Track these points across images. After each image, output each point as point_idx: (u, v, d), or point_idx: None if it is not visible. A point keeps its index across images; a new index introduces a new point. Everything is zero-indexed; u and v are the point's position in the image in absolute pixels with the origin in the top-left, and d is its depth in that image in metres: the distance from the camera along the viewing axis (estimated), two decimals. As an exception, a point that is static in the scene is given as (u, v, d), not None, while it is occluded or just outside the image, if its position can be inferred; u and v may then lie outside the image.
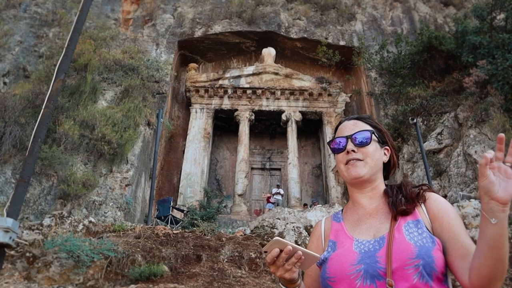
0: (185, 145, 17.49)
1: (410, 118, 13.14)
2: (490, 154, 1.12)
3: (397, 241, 1.30)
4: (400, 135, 14.74)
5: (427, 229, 1.33)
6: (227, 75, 18.80)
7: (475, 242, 1.21)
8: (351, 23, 19.97)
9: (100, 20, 17.29)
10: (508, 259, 1.19)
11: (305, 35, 19.13)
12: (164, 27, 18.68)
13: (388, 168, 1.58)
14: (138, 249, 6.89)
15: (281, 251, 1.26)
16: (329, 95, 18.56)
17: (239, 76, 18.78)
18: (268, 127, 19.44)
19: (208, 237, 7.87)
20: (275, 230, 8.06)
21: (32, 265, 6.28)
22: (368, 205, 1.49)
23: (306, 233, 8.07)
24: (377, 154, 1.50)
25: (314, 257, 1.29)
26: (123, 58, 15.59)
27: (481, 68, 12.86)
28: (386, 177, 1.59)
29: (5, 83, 14.32)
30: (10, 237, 4.09)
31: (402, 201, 1.40)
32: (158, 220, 12.29)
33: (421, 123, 14.19)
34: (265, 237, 7.91)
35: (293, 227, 8.09)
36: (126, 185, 12.62)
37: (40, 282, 6.12)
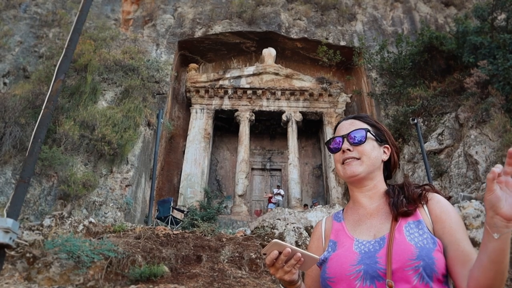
0: (185, 145, 17.48)
1: (410, 118, 13.13)
2: (498, 168, 1.10)
3: (397, 242, 1.29)
4: (401, 135, 14.73)
5: (428, 230, 1.33)
6: (228, 75, 18.80)
7: (474, 243, 1.21)
8: (351, 23, 19.96)
9: (100, 21, 17.29)
10: (509, 260, 1.18)
11: (306, 35, 19.12)
12: (164, 27, 18.68)
13: (390, 167, 1.58)
14: (138, 250, 6.88)
15: (280, 253, 1.26)
16: (330, 95, 18.55)
17: (239, 77, 18.77)
18: (268, 127, 19.43)
19: (208, 238, 7.86)
20: (275, 230, 8.05)
21: (32, 266, 6.27)
22: (368, 205, 1.48)
23: (307, 233, 8.06)
24: (374, 153, 1.49)
25: (314, 259, 1.29)
26: (123, 58, 15.58)
27: (482, 69, 12.85)
28: (388, 176, 1.58)
29: (5, 84, 14.33)
30: (10, 238, 4.08)
31: (403, 202, 1.39)
32: (158, 221, 12.27)
33: (422, 124, 14.18)
34: (266, 237, 7.90)
35: (294, 227, 8.07)
36: (126, 186, 12.61)
37: (40, 282, 6.11)
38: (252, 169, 18.62)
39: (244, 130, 17.96)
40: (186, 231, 8.74)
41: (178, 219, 12.78)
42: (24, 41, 15.80)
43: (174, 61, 18.00)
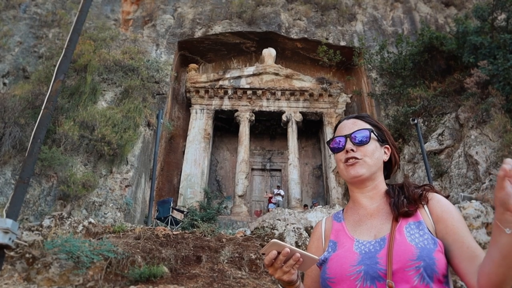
0: (185, 146, 17.48)
1: (411, 118, 13.12)
2: (508, 165, 1.07)
3: (398, 243, 1.29)
4: (401, 135, 14.73)
5: (429, 230, 1.32)
6: (227, 75, 18.79)
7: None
8: (351, 23, 19.96)
9: (100, 21, 17.29)
10: None
11: (306, 36, 19.12)
12: (164, 27, 18.67)
13: (389, 167, 1.57)
14: (138, 250, 6.87)
15: (279, 253, 1.25)
16: (330, 95, 18.54)
17: (239, 77, 18.77)
18: (268, 127, 19.42)
19: (208, 238, 7.85)
20: (275, 231, 8.03)
21: (31, 266, 6.26)
22: (369, 205, 1.48)
23: (307, 234, 8.05)
24: (376, 153, 1.49)
25: (313, 259, 1.28)
26: (123, 58, 15.58)
27: (482, 69, 12.84)
28: (387, 176, 1.57)
29: (4, 84, 14.32)
30: (10, 238, 4.07)
31: (404, 202, 1.39)
32: (158, 221, 12.26)
33: (422, 124, 14.17)
34: (265, 238, 7.89)
35: (294, 228, 8.06)
36: (126, 186, 12.60)
37: (40, 283, 6.10)
38: (252, 169, 18.61)
39: (244, 130, 17.96)
40: (186, 231, 8.73)
41: (178, 219, 12.77)
42: (23, 41, 15.80)
43: (174, 61, 18.00)
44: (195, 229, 8.75)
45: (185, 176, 16.55)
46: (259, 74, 18.78)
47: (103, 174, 12.50)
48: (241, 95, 18.48)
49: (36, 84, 13.29)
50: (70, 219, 7.66)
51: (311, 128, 19.30)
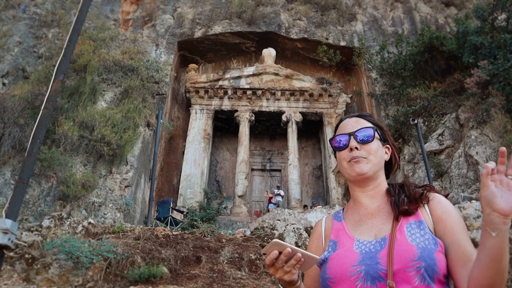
0: (185, 146, 17.47)
1: (411, 119, 13.12)
2: (491, 164, 1.12)
3: (398, 243, 1.28)
4: (401, 136, 14.72)
5: (430, 230, 1.31)
6: (227, 75, 18.78)
7: (475, 244, 1.20)
8: (351, 23, 19.95)
9: (100, 21, 17.28)
10: (508, 261, 1.17)
11: (306, 36, 19.12)
12: (163, 27, 18.67)
13: (389, 167, 1.56)
14: (138, 251, 6.86)
15: (280, 253, 1.24)
16: (330, 95, 18.53)
17: (239, 77, 18.76)
18: (268, 128, 19.41)
19: (208, 239, 7.84)
20: (275, 231, 8.02)
21: (31, 267, 6.24)
22: (369, 205, 1.47)
23: (307, 234, 8.04)
24: (379, 152, 1.48)
25: (314, 259, 1.27)
26: (122, 58, 15.57)
27: (482, 69, 12.83)
28: (386, 176, 1.57)
29: (4, 84, 14.31)
30: (9, 239, 4.06)
31: (404, 201, 1.38)
32: (157, 222, 12.25)
33: (422, 124, 14.16)
34: (265, 238, 7.87)
35: (293, 228, 8.05)
36: (126, 186, 12.59)
37: (39, 283, 6.09)
38: (252, 169, 18.60)
39: (244, 130, 17.95)
40: (186, 232, 8.71)
41: (178, 220, 12.75)
42: (23, 41, 15.79)
43: (173, 62, 17.99)
44: (194, 230, 8.74)
45: (184, 176, 16.54)
46: (259, 74, 18.77)
47: (103, 174, 12.49)
48: (241, 95, 18.47)
49: (36, 84, 13.28)
50: (69, 220, 7.65)
51: (311, 128, 19.29)
